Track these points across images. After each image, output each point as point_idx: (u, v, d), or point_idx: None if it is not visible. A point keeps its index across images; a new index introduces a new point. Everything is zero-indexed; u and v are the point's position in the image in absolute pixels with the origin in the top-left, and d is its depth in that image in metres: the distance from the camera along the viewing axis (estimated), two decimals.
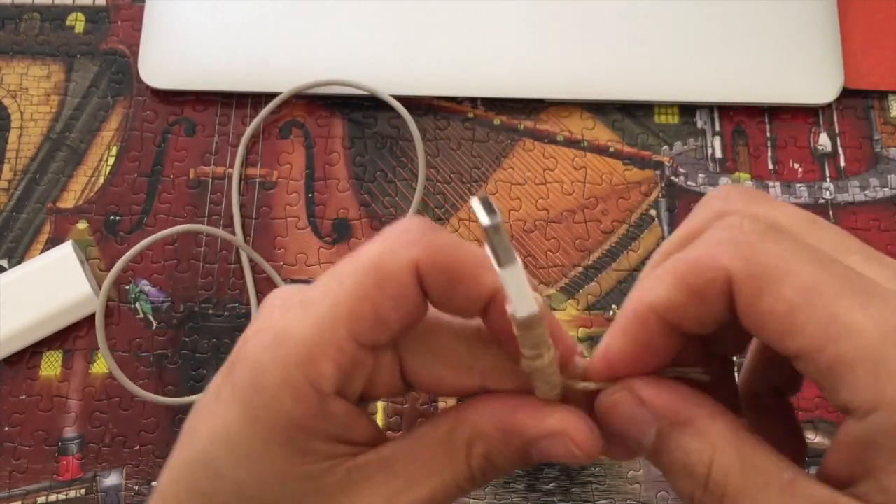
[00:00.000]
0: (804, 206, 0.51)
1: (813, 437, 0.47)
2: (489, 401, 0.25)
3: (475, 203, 0.21)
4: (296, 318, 0.24)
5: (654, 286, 0.23)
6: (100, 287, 0.50)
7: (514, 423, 0.25)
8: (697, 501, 0.23)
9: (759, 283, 0.22)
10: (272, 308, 0.25)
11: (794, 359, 0.22)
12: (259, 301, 0.50)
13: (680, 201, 0.52)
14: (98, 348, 0.49)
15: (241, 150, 0.53)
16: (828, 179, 0.52)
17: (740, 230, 0.23)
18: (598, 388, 0.25)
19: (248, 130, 0.53)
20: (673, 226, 0.51)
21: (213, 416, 0.25)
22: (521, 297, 0.22)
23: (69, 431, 0.48)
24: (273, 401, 0.23)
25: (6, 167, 0.53)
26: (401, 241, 0.23)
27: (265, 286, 0.50)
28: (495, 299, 0.24)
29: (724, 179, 0.52)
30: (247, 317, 0.50)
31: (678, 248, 0.25)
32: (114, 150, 0.53)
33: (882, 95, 0.54)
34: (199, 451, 0.25)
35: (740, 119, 0.54)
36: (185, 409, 0.48)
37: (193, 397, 0.48)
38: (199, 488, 0.25)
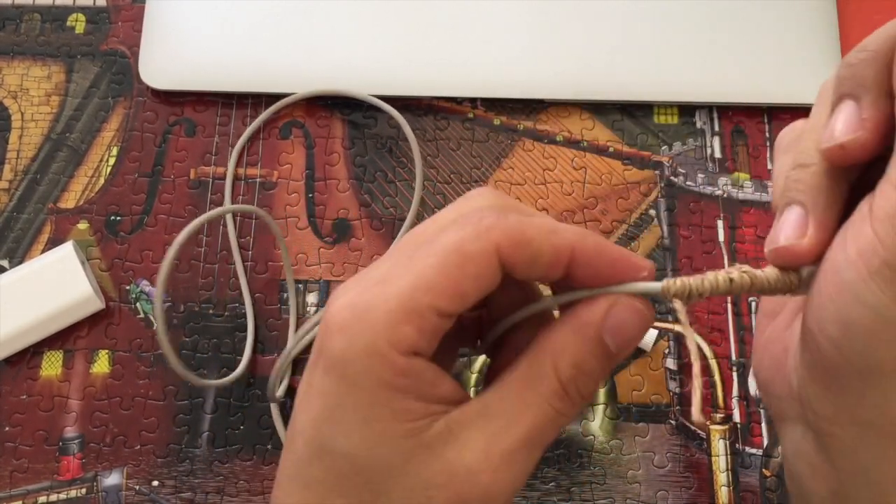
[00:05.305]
0: None
1: None
2: (554, 325, 0.28)
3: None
4: (377, 293, 0.26)
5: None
6: (101, 287, 0.50)
7: (582, 318, 0.27)
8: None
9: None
10: (346, 291, 0.27)
11: None
12: (254, 302, 0.50)
13: (679, 201, 0.52)
14: (99, 348, 0.49)
15: (233, 157, 0.53)
16: None
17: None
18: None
19: (241, 140, 0.53)
20: (672, 225, 0.52)
21: (311, 404, 0.27)
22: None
23: (70, 431, 0.48)
24: (366, 366, 0.26)
25: (7, 167, 0.53)
26: (481, 227, 0.26)
27: (261, 286, 0.50)
28: (575, 256, 0.27)
29: (723, 179, 0.52)
30: (247, 317, 0.50)
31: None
32: (114, 151, 0.53)
33: None
34: (306, 442, 0.27)
35: (739, 119, 0.54)
36: (185, 409, 0.48)
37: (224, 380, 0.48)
38: (315, 479, 0.27)
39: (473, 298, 0.27)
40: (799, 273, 0.27)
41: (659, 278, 0.27)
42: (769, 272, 0.27)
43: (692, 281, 0.27)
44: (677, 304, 0.27)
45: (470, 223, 0.27)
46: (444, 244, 0.26)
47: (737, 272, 0.27)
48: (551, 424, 0.27)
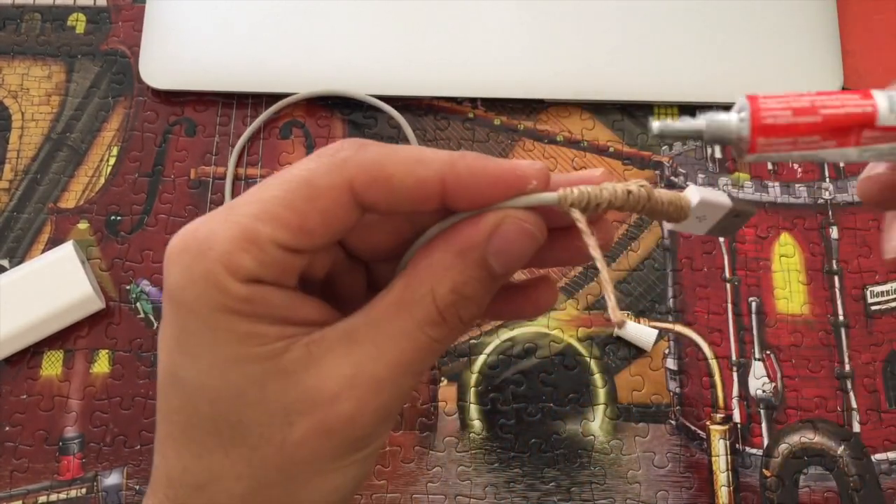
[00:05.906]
0: (803, 206, 0.52)
1: (812, 437, 0.47)
2: (434, 246, 0.26)
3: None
4: (219, 220, 0.24)
5: None
6: (101, 287, 0.50)
7: (465, 239, 0.25)
8: None
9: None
10: (196, 220, 0.25)
11: None
12: None
13: None
14: (99, 348, 0.49)
15: (233, 157, 0.53)
16: (827, 180, 0.52)
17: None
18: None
19: (242, 140, 0.53)
20: None
21: (163, 334, 0.26)
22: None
23: (70, 431, 0.48)
24: (201, 291, 0.24)
25: (7, 167, 0.53)
26: (335, 159, 0.25)
27: None
28: (447, 185, 0.25)
29: (723, 179, 0.52)
30: None
31: None
32: (114, 151, 0.54)
33: None
34: (161, 372, 0.26)
35: None
36: None
37: None
38: (173, 409, 0.26)
39: (322, 236, 0.25)
40: (690, 208, 0.27)
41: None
42: (665, 193, 0.27)
43: (591, 189, 0.25)
44: (576, 215, 0.25)
45: (325, 155, 0.25)
46: (294, 175, 0.25)
47: (635, 186, 0.26)
48: (425, 353, 0.25)
